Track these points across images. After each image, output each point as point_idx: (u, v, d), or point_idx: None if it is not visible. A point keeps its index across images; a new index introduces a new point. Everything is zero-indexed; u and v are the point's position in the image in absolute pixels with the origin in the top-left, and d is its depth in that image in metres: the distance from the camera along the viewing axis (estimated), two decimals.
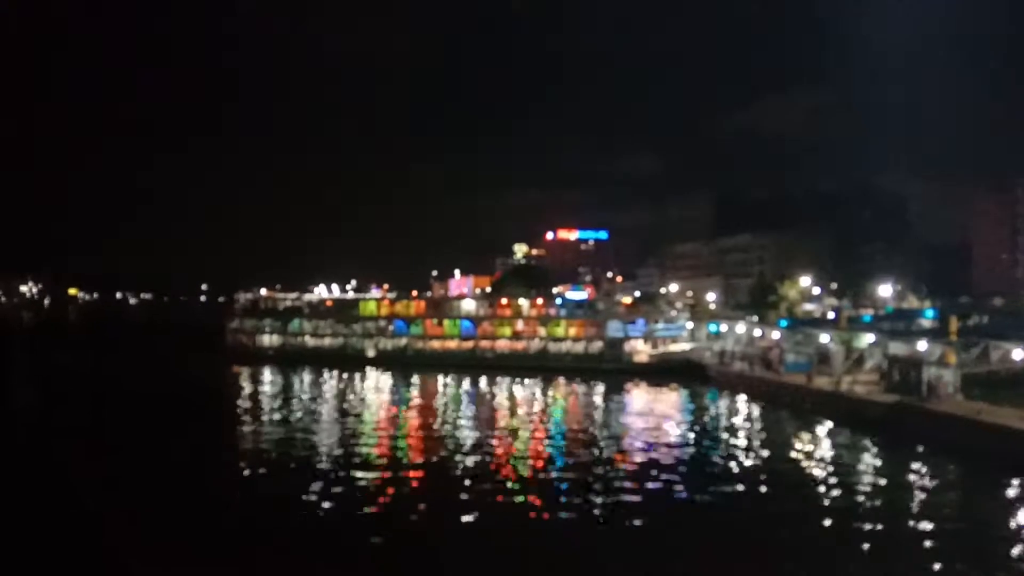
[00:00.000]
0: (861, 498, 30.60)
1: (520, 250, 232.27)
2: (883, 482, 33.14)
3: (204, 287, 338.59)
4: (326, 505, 29.63)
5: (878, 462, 37.06)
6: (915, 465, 35.38)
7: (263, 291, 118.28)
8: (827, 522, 27.41)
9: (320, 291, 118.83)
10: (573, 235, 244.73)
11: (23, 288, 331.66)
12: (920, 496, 30.98)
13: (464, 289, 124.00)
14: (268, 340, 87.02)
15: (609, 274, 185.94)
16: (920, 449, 37.47)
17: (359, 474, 34.29)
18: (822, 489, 32.24)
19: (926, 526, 26.92)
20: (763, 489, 32.20)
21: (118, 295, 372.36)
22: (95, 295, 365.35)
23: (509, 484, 32.84)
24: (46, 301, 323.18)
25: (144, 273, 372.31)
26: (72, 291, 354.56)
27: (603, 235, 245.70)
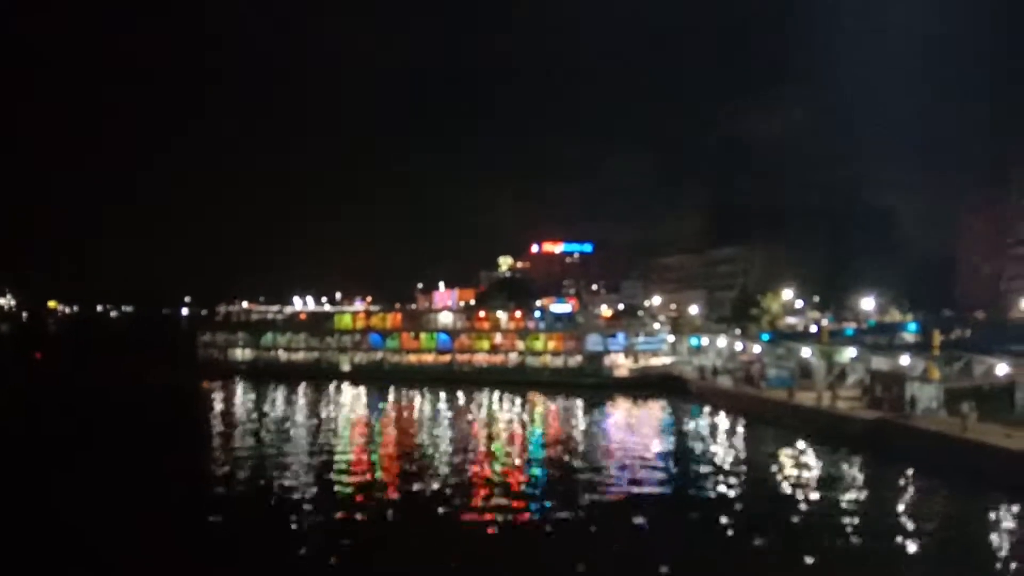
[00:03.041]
0: (842, 516, 29.41)
1: (505, 263, 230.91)
2: (865, 501, 32.06)
3: (187, 299, 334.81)
4: (292, 527, 28.52)
5: (860, 480, 35.95)
6: (899, 483, 34.35)
7: (245, 303, 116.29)
8: (807, 541, 26.28)
9: (302, 303, 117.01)
10: (558, 248, 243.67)
11: (0, 301, 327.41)
12: (903, 515, 29.81)
13: (448, 302, 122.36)
14: (240, 354, 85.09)
15: (594, 287, 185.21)
16: (904, 467, 36.33)
17: (328, 494, 33.35)
18: (803, 507, 31.09)
19: (910, 545, 26.05)
20: (742, 507, 31.08)
21: (99, 308, 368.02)
22: (75, 308, 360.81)
23: (483, 501, 32.09)
24: (24, 314, 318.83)
25: (126, 286, 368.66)
26: (52, 304, 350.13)
27: (588, 248, 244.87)
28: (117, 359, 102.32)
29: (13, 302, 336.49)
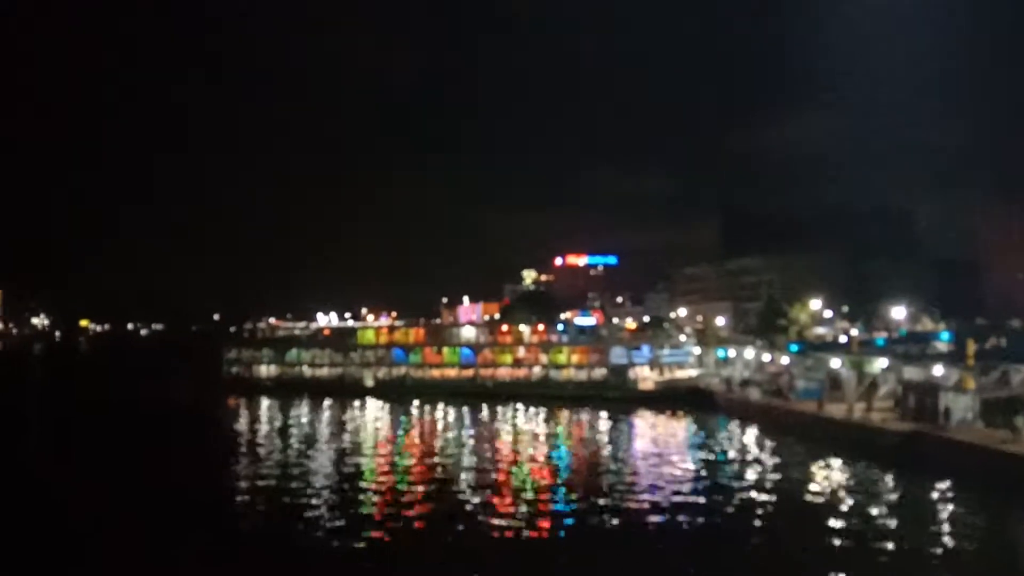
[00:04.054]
0: (876, 533, 28.43)
1: (529, 276, 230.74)
2: (899, 516, 30.87)
3: (216, 317, 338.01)
4: (317, 536, 28.83)
5: (894, 495, 34.76)
6: (934, 498, 33.13)
7: (271, 320, 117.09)
8: (841, 559, 25.43)
9: (327, 319, 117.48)
10: (582, 260, 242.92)
11: (34, 320, 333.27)
12: (940, 532, 28.71)
13: (473, 316, 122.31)
14: (265, 370, 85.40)
15: (619, 299, 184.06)
16: (939, 481, 35.11)
17: (354, 506, 33.50)
18: (835, 524, 30.03)
19: (949, 564, 24.97)
20: (770, 524, 30.20)
21: (129, 326, 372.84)
22: (106, 326, 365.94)
23: (506, 517, 31.70)
24: (57, 333, 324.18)
25: (156, 303, 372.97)
26: (83, 322, 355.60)
27: (612, 260, 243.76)
28: (144, 377, 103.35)
29: (47, 321, 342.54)
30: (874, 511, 31.80)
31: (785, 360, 64.45)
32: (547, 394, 71.01)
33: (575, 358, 75.19)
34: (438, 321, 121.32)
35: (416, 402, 70.61)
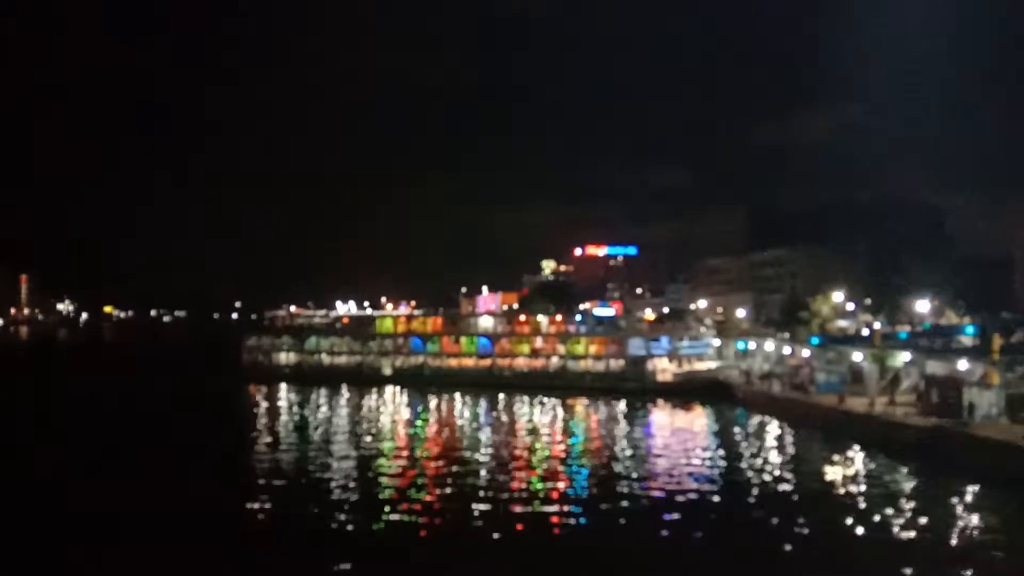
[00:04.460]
0: (896, 531, 27.97)
1: (548, 266, 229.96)
2: (921, 514, 30.32)
3: (238, 304, 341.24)
4: (332, 526, 28.91)
5: (915, 492, 34.18)
6: (956, 496, 32.45)
7: (292, 308, 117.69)
8: (857, 553, 25.34)
9: (346, 308, 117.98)
10: (602, 251, 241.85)
11: (60, 306, 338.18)
12: (963, 532, 28.23)
13: (492, 306, 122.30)
14: (284, 358, 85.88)
15: (638, 290, 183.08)
16: (961, 478, 34.49)
17: (374, 492, 33.89)
18: (852, 519, 29.67)
19: (967, 561, 24.42)
20: (790, 521, 29.64)
21: (152, 313, 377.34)
22: (129, 313, 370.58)
23: (522, 507, 31.76)
24: (82, 319, 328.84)
25: (179, 290, 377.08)
26: (107, 309, 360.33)
27: (632, 251, 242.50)
28: (166, 363, 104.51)
29: (72, 307, 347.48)
30: (893, 506, 31.24)
31: (806, 353, 63.77)
32: (564, 385, 70.78)
33: (593, 349, 74.87)
34: (457, 311, 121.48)
35: (434, 391, 70.76)
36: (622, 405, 61.74)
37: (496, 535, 27.78)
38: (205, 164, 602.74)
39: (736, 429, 51.36)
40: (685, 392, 65.46)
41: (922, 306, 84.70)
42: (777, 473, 37.96)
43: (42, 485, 34.75)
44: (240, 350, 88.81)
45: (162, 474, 36.64)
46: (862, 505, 32.08)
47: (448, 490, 34.46)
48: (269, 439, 49.19)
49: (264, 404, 67.07)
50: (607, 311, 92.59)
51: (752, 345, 73.52)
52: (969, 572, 23.78)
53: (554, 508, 31.68)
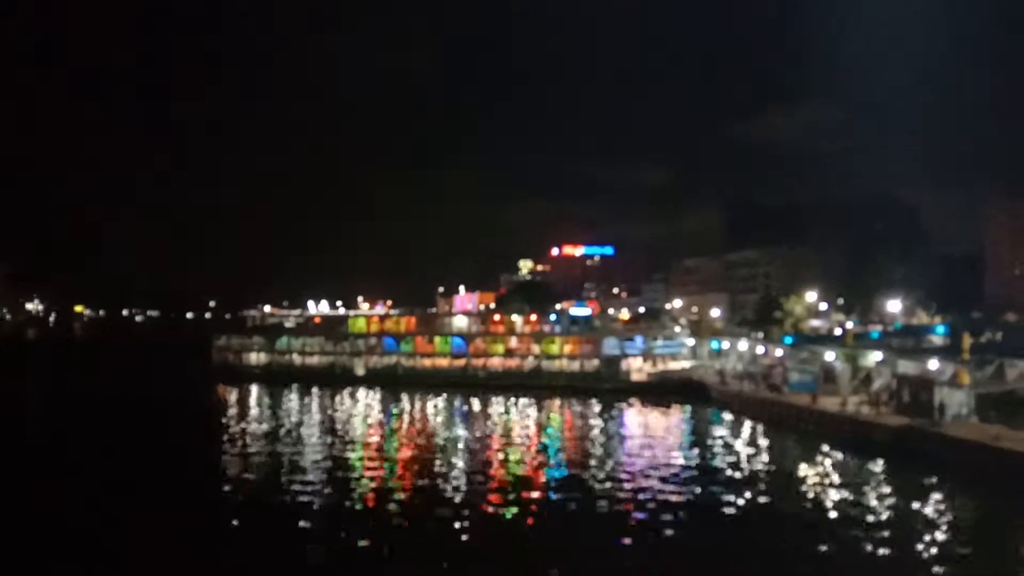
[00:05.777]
0: (866, 530, 27.73)
1: (525, 266, 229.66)
2: (891, 513, 30.29)
3: (212, 304, 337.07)
4: (303, 526, 28.50)
5: (886, 490, 34.06)
6: (926, 495, 32.40)
7: (268, 308, 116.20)
8: (828, 554, 25.05)
9: (319, 307, 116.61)
10: (579, 251, 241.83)
11: (28, 305, 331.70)
12: (932, 530, 28.03)
13: (469, 305, 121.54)
14: (255, 358, 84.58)
15: (615, 290, 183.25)
16: (932, 477, 34.48)
17: (339, 498, 32.87)
18: (823, 518, 29.54)
19: (938, 560, 24.37)
20: (762, 519, 29.66)
21: (124, 312, 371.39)
22: (101, 312, 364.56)
23: (496, 506, 31.56)
24: (51, 318, 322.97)
25: (152, 290, 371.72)
26: (78, 308, 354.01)
27: (609, 251, 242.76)
28: (134, 364, 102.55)
29: (41, 306, 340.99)
30: (863, 505, 31.17)
31: (779, 352, 63.94)
32: (539, 384, 70.37)
33: (567, 348, 74.48)
34: (434, 310, 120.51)
35: (407, 392, 69.92)
36: (596, 404, 61.37)
37: (465, 537, 27.44)
38: (180, 163, 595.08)
39: (709, 428, 51.19)
40: (659, 392, 65.23)
41: (894, 306, 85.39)
42: (748, 472, 37.75)
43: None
44: (209, 350, 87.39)
45: (128, 476, 35.78)
46: (831, 502, 31.93)
47: (418, 492, 33.92)
48: (235, 441, 48.04)
49: (232, 406, 65.78)
50: (583, 311, 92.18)
51: (726, 345, 73.60)
52: (939, 570, 23.61)
53: (524, 509, 31.24)
